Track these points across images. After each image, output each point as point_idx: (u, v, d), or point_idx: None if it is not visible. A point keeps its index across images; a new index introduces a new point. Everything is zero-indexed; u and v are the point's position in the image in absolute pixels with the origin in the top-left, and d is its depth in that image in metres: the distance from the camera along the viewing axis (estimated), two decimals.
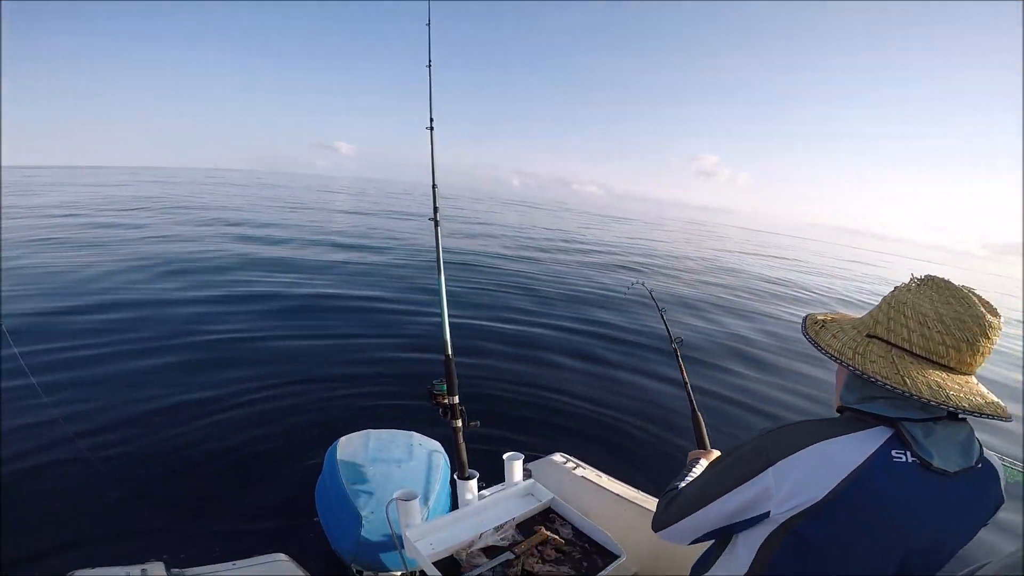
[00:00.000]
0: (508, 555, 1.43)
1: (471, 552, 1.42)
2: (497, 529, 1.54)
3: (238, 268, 9.81)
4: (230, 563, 1.79)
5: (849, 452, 0.92)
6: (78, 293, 7.45)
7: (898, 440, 0.93)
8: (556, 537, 1.56)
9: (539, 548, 1.50)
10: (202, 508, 3.11)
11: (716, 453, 1.61)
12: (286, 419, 4.33)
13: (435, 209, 2.07)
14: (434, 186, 2.11)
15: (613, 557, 1.48)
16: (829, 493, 0.91)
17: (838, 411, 1.06)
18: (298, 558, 1.92)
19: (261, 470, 3.60)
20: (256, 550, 1.89)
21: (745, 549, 1.07)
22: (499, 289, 9.71)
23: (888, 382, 0.91)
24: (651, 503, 2.33)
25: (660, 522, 1.21)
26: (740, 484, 1.00)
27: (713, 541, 1.19)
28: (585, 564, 1.45)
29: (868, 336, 0.99)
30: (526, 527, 1.61)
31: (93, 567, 1.52)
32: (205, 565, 1.74)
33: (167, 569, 1.63)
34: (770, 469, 0.96)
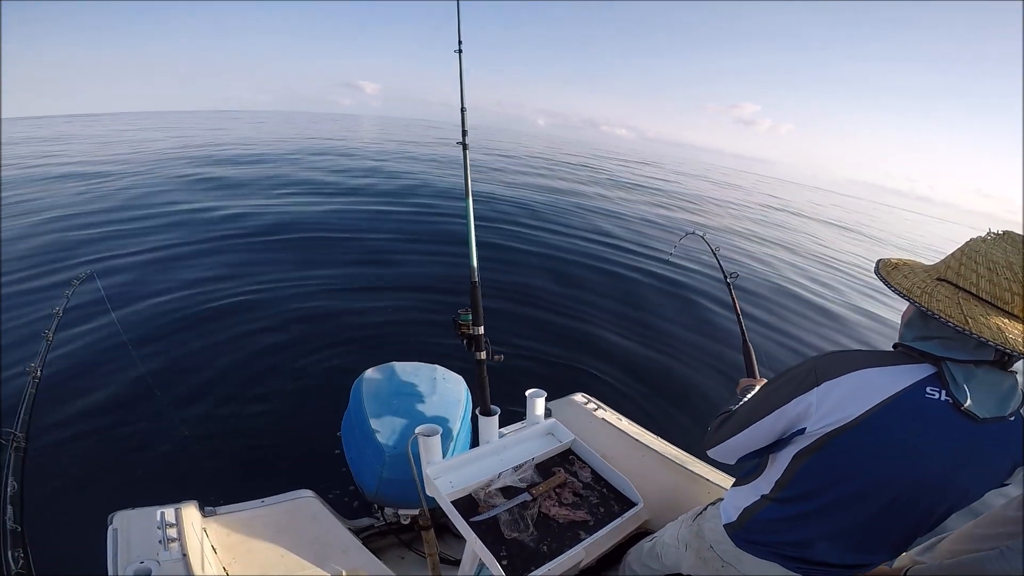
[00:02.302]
0: (525, 496, 1.44)
1: (489, 492, 1.44)
2: (516, 469, 1.55)
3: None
4: (259, 500, 1.86)
5: (888, 381, 1.01)
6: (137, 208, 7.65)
7: (937, 378, 0.99)
8: (575, 480, 1.56)
9: (557, 490, 1.51)
10: (233, 447, 3.23)
11: (765, 381, 1.63)
12: (312, 354, 4.42)
13: (464, 133, 2.03)
14: (463, 109, 2.07)
15: (630, 504, 1.49)
16: (862, 414, 1.00)
17: (893, 347, 1.13)
18: (323, 494, 1.99)
19: (289, 406, 3.70)
20: (284, 487, 1.97)
21: (781, 459, 1.17)
22: (526, 237, 9.61)
23: (950, 320, 0.95)
24: (670, 450, 2.33)
25: (712, 440, 1.29)
26: (789, 401, 1.10)
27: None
28: (602, 510, 1.46)
29: (938, 279, 1.02)
30: (545, 468, 1.62)
31: (132, 508, 1.60)
32: (235, 503, 1.82)
33: (200, 508, 1.71)
34: (816, 388, 1.05)
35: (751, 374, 1.99)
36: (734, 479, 1.31)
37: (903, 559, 1.40)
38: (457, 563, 1.84)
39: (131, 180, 11.78)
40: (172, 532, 1.51)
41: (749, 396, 1.44)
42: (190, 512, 1.65)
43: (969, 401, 0.95)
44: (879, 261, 1.17)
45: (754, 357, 2.04)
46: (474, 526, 1.31)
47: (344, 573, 1.67)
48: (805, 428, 1.07)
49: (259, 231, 7.86)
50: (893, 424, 0.99)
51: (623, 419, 2.57)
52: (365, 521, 2.26)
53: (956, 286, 0.99)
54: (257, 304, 5.38)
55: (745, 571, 1.27)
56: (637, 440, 2.38)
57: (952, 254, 1.04)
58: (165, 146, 20.49)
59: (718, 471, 2.16)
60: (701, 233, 3.02)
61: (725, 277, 2.52)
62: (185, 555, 1.44)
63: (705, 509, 1.50)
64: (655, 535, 1.74)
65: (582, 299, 6.37)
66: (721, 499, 1.44)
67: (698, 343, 5.74)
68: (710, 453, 1.30)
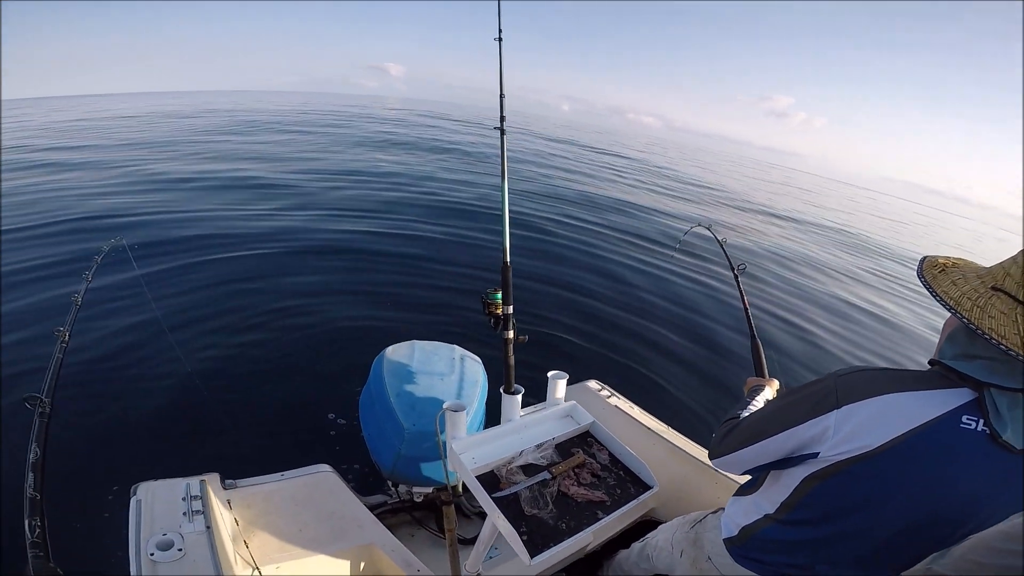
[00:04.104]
0: (545, 475, 1.47)
1: (510, 469, 1.46)
2: (538, 447, 1.57)
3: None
4: (278, 474, 1.91)
5: (918, 408, 0.90)
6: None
7: (976, 406, 0.88)
8: (593, 461, 1.59)
9: (576, 471, 1.53)
10: (254, 420, 3.30)
11: (776, 382, 1.62)
12: (334, 330, 4.49)
13: (502, 118, 2.07)
14: (501, 96, 2.10)
15: (646, 487, 1.51)
16: (884, 444, 0.91)
17: (930, 364, 1.00)
18: (339, 470, 2.03)
19: (309, 381, 3.77)
20: (302, 461, 2.02)
21: (788, 480, 1.11)
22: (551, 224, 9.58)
23: (1003, 342, 0.81)
24: (680, 440, 2.36)
25: (718, 450, 1.23)
26: (804, 421, 1.00)
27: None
28: (618, 491, 1.48)
29: (993, 288, 0.87)
30: (564, 449, 1.64)
31: (156, 479, 1.63)
32: (256, 476, 1.87)
33: (222, 480, 1.76)
34: (834, 412, 0.96)
35: (759, 373, 1.89)
36: (713, 462, 1.27)
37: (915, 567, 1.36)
38: (467, 542, 1.88)
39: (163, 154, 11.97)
40: (197, 504, 1.55)
41: (758, 404, 1.42)
42: (213, 483, 1.71)
43: (1008, 432, 0.85)
44: (923, 260, 1.03)
45: (763, 355, 1.96)
46: (497, 501, 1.34)
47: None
48: (818, 453, 0.99)
49: (295, 206, 8.05)
50: (920, 455, 0.90)
51: (635, 407, 2.60)
52: (379, 498, 2.32)
53: (1015, 299, 0.84)
54: (283, 275, 5.51)
55: None
56: (649, 428, 2.40)
57: (1013, 258, 0.88)
58: (202, 123, 20.72)
59: None
60: (707, 225, 2.95)
61: (732, 269, 2.46)
62: (209, 527, 1.48)
63: (705, 518, 1.51)
64: (646, 537, 1.77)
65: (601, 288, 6.39)
66: (722, 509, 1.44)
67: (714, 329, 5.74)
68: (715, 463, 1.25)
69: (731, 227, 12.74)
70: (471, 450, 1.52)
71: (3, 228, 6.14)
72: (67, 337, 1.79)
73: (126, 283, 4.50)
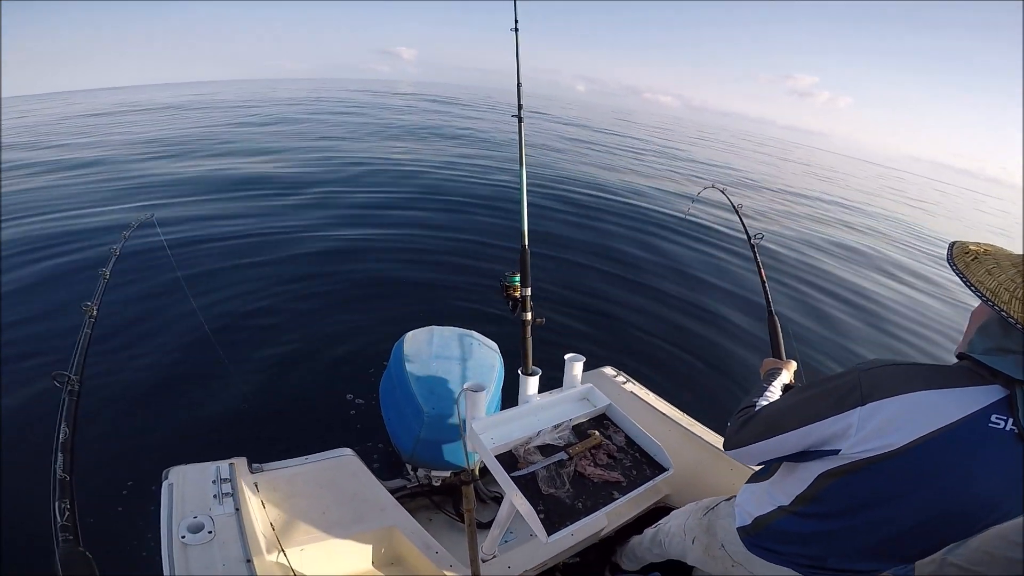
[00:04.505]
0: (562, 455, 1.50)
1: (528, 449, 1.50)
2: (555, 428, 1.60)
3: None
4: (302, 458, 1.97)
5: (946, 407, 0.87)
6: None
7: (1006, 404, 0.85)
8: (610, 443, 1.61)
9: (592, 451, 1.56)
10: (279, 406, 3.37)
11: (793, 364, 1.58)
12: (354, 316, 4.56)
13: (519, 106, 2.14)
14: (519, 84, 2.16)
15: (662, 469, 1.53)
16: (909, 443, 0.88)
17: (958, 357, 0.97)
18: (361, 454, 2.08)
19: (331, 365, 3.84)
20: (327, 444, 2.07)
21: (804, 473, 1.10)
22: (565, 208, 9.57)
23: None
24: (695, 426, 2.37)
25: (732, 441, 1.22)
26: (825, 417, 0.98)
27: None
28: (634, 472, 1.50)
29: None
30: (581, 430, 1.67)
31: (186, 463, 1.70)
32: (281, 460, 1.92)
33: (250, 464, 1.82)
34: (858, 409, 0.93)
35: (777, 354, 1.83)
36: (727, 453, 1.27)
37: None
38: (484, 526, 1.93)
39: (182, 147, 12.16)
40: (227, 487, 1.61)
41: (774, 390, 1.40)
42: (241, 467, 1.77)
43: None
44: (952, 245, 0.99)
45: (780, 334, 1.89)
46: (515, 480, 1.38)
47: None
48: (839, 450, 0.97)
49: (319, 194, 8.22)
50: (946, 454, 0.87)
51: (650, 394, 2.62)
52: (398, 482, 2.36)
53: None
54: (308, 259, 5.63)
55: (756, 572, 1.27)
56: (664, 414, 2.42)
57: None
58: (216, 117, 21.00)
59: None
60: (721, 187, 2.80)
61: (749, 238, 2.34)
62: (238, 510, 1.54)
63: (717, 505, 1.51)
64: (659, 523, 1.79)
65: (618, 273, 6.38)
66: (735, 497, 1.44)
67: (728, 315, 5.71)
68: (730, 454, 1.24)
69: (748, 200, 12.57)
70: (490, 430, 1.56)
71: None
72: (95, 312, 1.79)
73: (155, 261, 4.62)
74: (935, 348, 6.16)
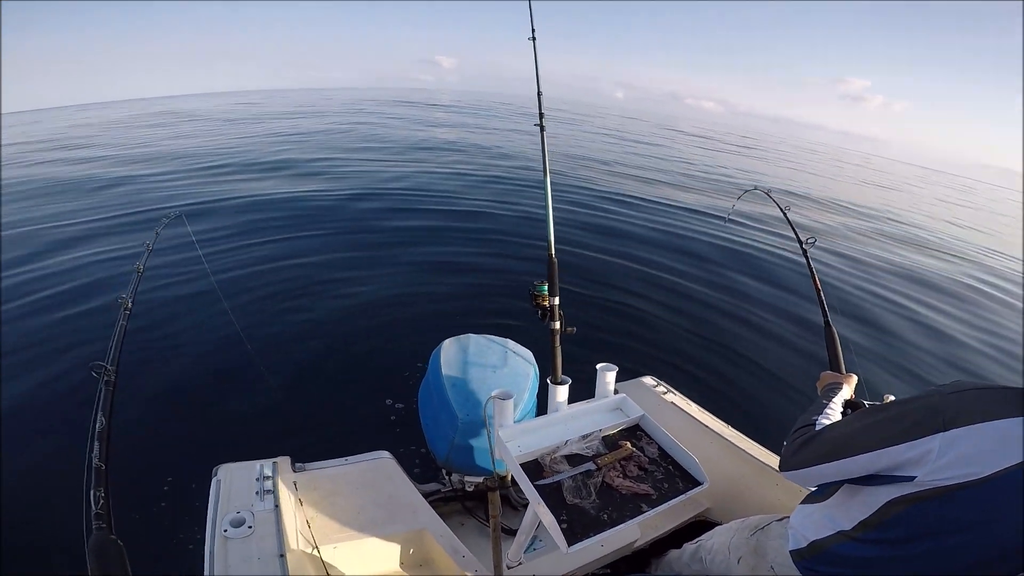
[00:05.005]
0: (590, 465, 1.47)
1: (555, 458, 1.48)
2: (583, 438, 1.58)
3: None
4: (342, 459, 2.03)
5: None
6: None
7: None
8: (641, 455, 1.57)
9: (622, 463, 1.52)
10: (324, 409, 3.47)
11: (854, 378, 1.48)
12: (397, 324, 4.65)
13: (540, 115, 2.10)
14: (539, 93, 2.13)
15: (696, 483, 1.48)
16: (993, 473, 0.83)
17: None
18: (399, 457, 2.12)
19: (374, 370, 3.93)
20: (366, 446, 2.13)
21: (870, 498, 1.03)
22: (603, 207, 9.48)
23: None
24: (740, 440, 2.29)
25: (791, 462, 1.15)
26: (901, 442, 0.92)
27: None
28: (666, 485, 1.46)
29: None
30: (612, 441, 1.64)
31: (234, 461, 1.79)
32: (322, 460, 1.99)
33: (292, 463, 1.89)
34: (939, 435, 0.87)
35: (835, 368, 1.73)
36: (783, 474, 1.19)
37: None
38: (511, 532, 1.92)
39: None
40: (268, 484, 1.69)
41: (835, 408, 1.32)
42: (284, 466, 1.85)
43: None
44: None
45: (839, 345, 1.79)
46: (538, 489, 1.36)
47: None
48: (915, 476, 0.91)
49: (361, 196, 8.53)
50: None
51: (693, 405, 2.54)
52: (433, 486, 2.39)
53: None
54: (348, 265, 5.78)
55: None
56: (707, 426, 2.35)
57: None
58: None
59: None
60: (765, 189, 2.69)
61: (800, 243, 2.25)
62: (277, 506, 1.61)
63: (768, 525, 1.44)
64: (700, 539, 1.72)
65: (659, 281, 6.27)
66: (787, 517, 1.37)
67: (778, 327, 5.51)
68: (787, 475, 1.17)
69: (799, 209, 12.14)
70: (517, 438, 1.55)
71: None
72: (130, 305, 1.85)
73: (185, 258, 4.91)
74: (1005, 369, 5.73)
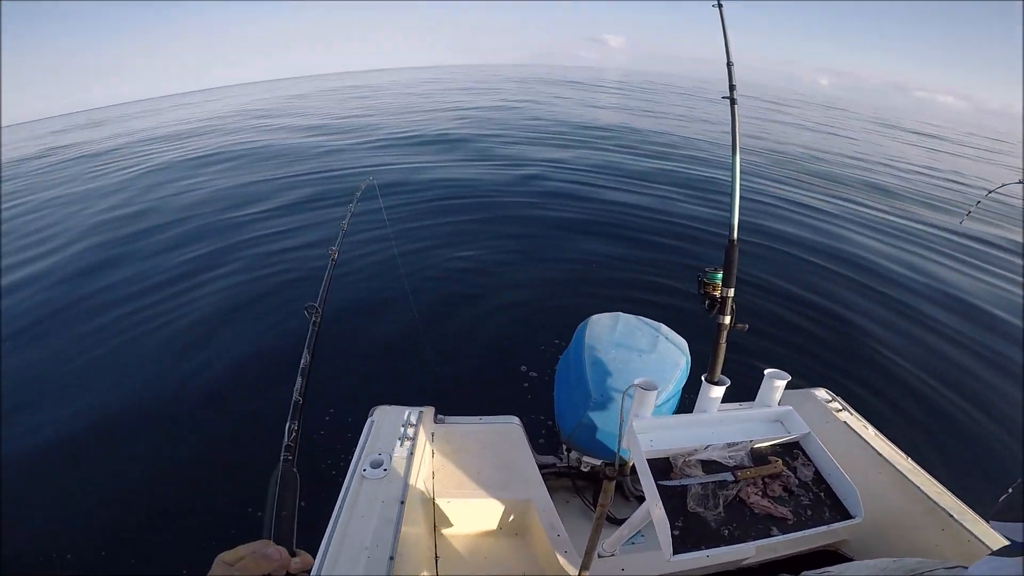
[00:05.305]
0: (727, 476, 1.33)
1: (688, 461, 1.37)
2: (729, 446, 1.44)
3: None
4: (478, 417, 2.15)
5: None
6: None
7: None
8: (791, 475, 1.39)
9: (766, 480, 1.36)
10: (464, 365, 3.73)
11: None
12: (546, 297, 4.73)
13: (731, 87, 1.85)
14: (729, 63, 1.88)
15: (846, 516, 1.28)
16: None
17: None
18: (527, 424, 2.18)
19: (518, 334, 4.08)
20: (499, 403, 2.22)
21: None
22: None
23: None
24: (915, 474, 1.93)
25: (1013, 514, 0.92)
26: None
27: None
28: (809, 512, 1.28)
29: None
30: (761, 454, 1.47)
31: (390, 405, 1.98)
32: (461, 416, 2.13)
33: (435, 415, 2.06)
34: None
35: None
36: (994, 523, 0.97)
37: None
38: (617, 522, 1.85)
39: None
40: (410, 432, 1.84)
41: None
42: (428, 416, 2.00)
43: None
44: None
45: None
46: (661, 489, 1.27)
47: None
48: None
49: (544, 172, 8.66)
50: None
51: (869, 428, 2.20)
52: (550, 458, 2.41)
53: None
54: (516, 235, 6.02)
55: None
56: (879, 453, 2.02)
57: None
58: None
59: (974, 516, 1.73)
60: (1022, 180, 2.19)
61: None
62: (411, 454, 1.74)
63: (933, 572, 1.19)
64: (827, 572, 1.45)
65: (851, 285, 5.50)
66: (961, 567, 1.12)
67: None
68: (996, 526, 0.93)
69: None
70: (651, 432, 1.46)
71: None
72: (336, 256, 2.03)
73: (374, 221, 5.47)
74: None
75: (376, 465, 1.68)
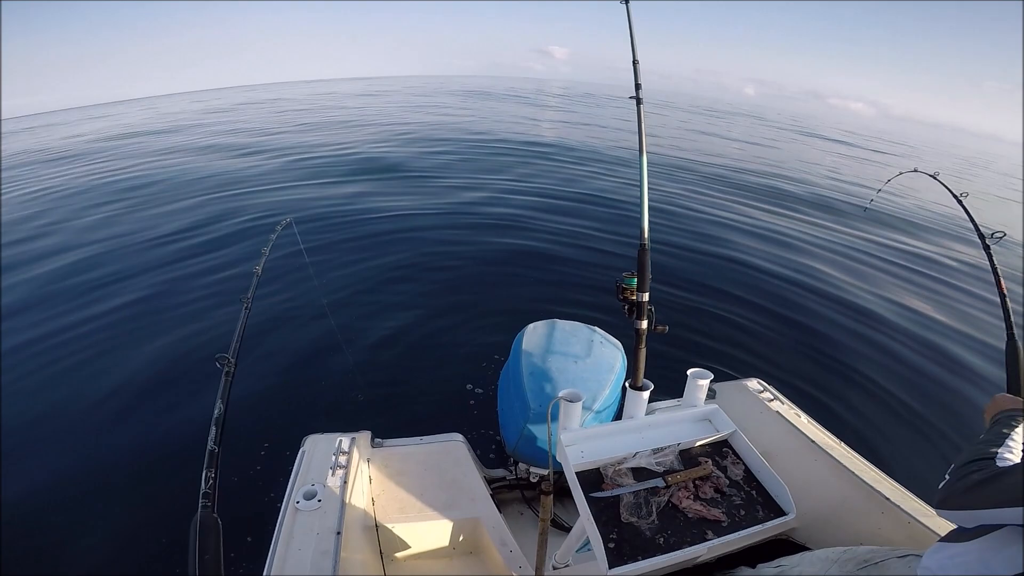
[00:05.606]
0: (658, 482, 1.33)
1: (619, 470, 1.35)
2: (656, 451, 1.43)
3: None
4: (418, 438, 2.08)
5: None
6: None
7: None
8: (721, 475, 1.39)
9: (697, 483, 1.36)
10: (403, 389, 3.57)
11: None
12: (481, 305, 4.67)
13: (636, 86, 1.86)
14: (634, 62, 1.89)
15: (780, 513, 1.29)
16: None
17: None
18: (472, 440, 2.12)
19: (457, 354, 3.97)
20: (443, 422, 2.15)
21: None
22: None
23: None
24: (850, 460, 1.99)
25: (960, 500, 0.97)
26: None
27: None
28: (742, 512, 1.28)
29: None
30: (690, 457, 1.47)
31: (323, 432, 1.89)
32: (400, 437, 2.05)
33: (372, 439, 1.98)
34: None
35: (1015, 390, 1.46)
36: (941, 513, 1.00)
37: None
38: (568, 530, 1.83)
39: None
40: (343, 460, 1.77)
41: (1017, 440, 1.08)
42: (363, 441, 1.93)
43: None
44: None
45: (1023, 366, 1.51)
46: (592, 502, 1.25)
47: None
48: None
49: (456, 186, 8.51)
50: None
51: (802, 415, 2.25)
52: (500, 472, 2.36)
53: None
54: (439, 254, 5.84)
55: None
56: (813, 442, 2.06)
57: None
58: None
59: (908, 493, 1.79)
60: (931, 172, 2.25)
61: (982, 237, 1.86)
62: (346, 482, 1.67)
63: (884, 561, 1.20)
64: (781, 563, 1.47)
65: (776, 290, 5.69)
66: (912, 555, 1.15)
67: (922, 336, 4.80)
68: (946, 514, 1.00)
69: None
70: (581, 443, 1.44)
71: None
72: (250, 303, 1.95)
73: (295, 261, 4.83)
74: None
75: (310, 496, 1.61)
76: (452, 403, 3.34)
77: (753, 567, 1.60)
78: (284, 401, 3.46)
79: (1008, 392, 1.38)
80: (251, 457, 2.92)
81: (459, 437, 2.12)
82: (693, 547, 1.18)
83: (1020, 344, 1.55)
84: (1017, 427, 1.09)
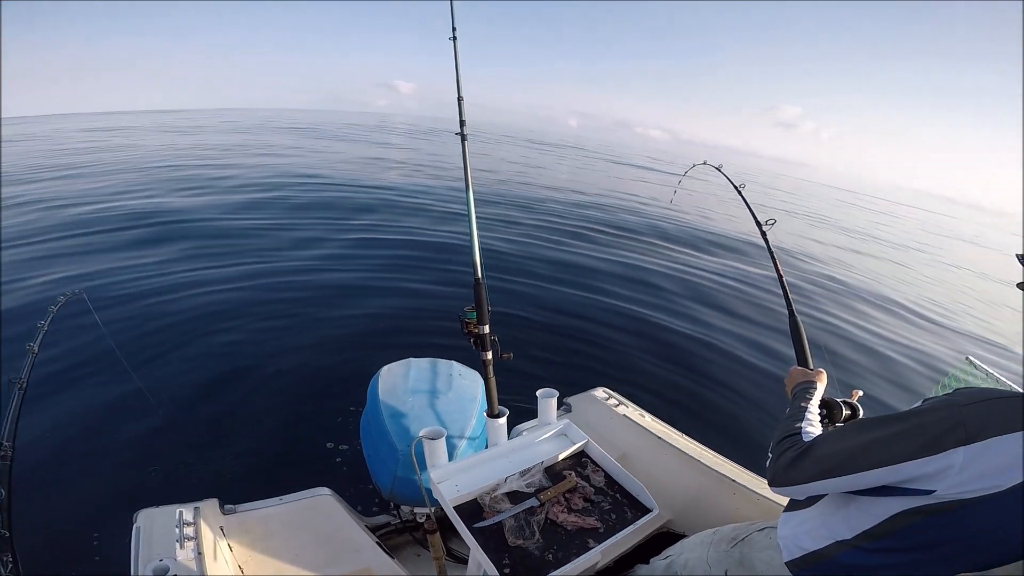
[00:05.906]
0: (533, 502, 1.39)
1: (495, 497, 1.39)
2: (523, 474, 1.49)
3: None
4: (277, 498, 1.89)
5: None
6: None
7: None
8: (586, 485, 1.50)
9: (566, 496, 1.45)
10: (254, 446, 3.24)
11: (824, 374, 1.37)
12: (332, 353, 4.38)
13: (461, 123, 1.93)
14: (459, 98, 1.94)
15: (645, 511, 1.42)
16: (1014, 487, 0.80)
17: None
18: (344, 492, 2.00)
19: (312, 403, 3.69)
20: (307, 483, 1.98)
21: (875, 508, 0.97)
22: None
23: None
24: (694, 449, 2.23)
25: (784, 477, 1.06)
26: (918, 457, 0.86)
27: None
28: (614, 516, 1.40)
29: None
30: (556, 472, 1.56)
31: (156, 506, 1.63)
32: (256, 501, 1.84)
33: (221, 506, 1.75)
34: (962, 448, 0.82)
35: (803, 362, 1.59)
36: (774, 490, 1.10)
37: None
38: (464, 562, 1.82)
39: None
40: (189, 531, 1.54)
41: (813, 411, 1.23)
42: (210, 510, 1.69)
43: None
44: None
45: (805, 338, 1.64)
46: (476, 532, 1.27)
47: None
48: (933, 490, 0.86)
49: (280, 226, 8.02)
50: None
51: (646, 415, 2.48)
52: (382, 519, 2.27)
53: None
54: (266, 299, 5.37)
55: None
56: (660, 439, 2.29)
57: None
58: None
59: (749, 473, 2.04)
60: (716, 164, 2.46)
61: (759, 224, 2.03)
62: (200, 553, 1.47)
63: (749, 536, 1.35)
64: (669, 553, 1.61)
65: (598, 288, 6.27)
66: (770, 527, 1.29)
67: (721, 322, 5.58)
68: (777, 491, 1.09)
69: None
70: (453, 477, 1.46)
71: None
72: (25, 384, 1.77)
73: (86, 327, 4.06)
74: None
75: (161, 572, 1.39)
76: (311, 462, 3.08)
77: (647, 563, 1.73)
78: (107, 480, 2.90)
79: (798, 364, 1.54)
80: (86, 543, 2.44)
81: (325, 491, 1.98)
82: (580, 558, 1.25)
83: (800, 320, 1.68)
84: (812, 399, 1.25)
